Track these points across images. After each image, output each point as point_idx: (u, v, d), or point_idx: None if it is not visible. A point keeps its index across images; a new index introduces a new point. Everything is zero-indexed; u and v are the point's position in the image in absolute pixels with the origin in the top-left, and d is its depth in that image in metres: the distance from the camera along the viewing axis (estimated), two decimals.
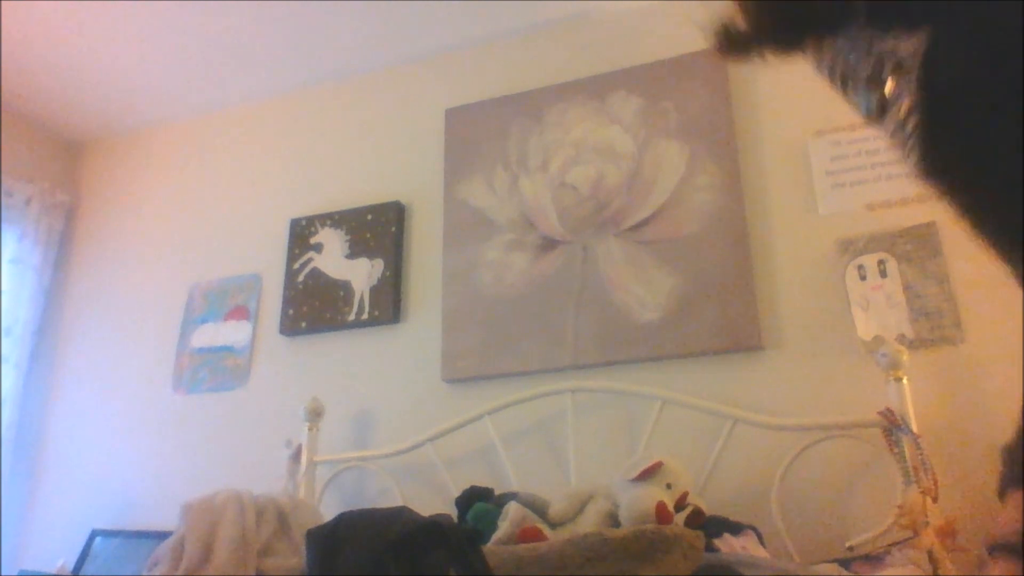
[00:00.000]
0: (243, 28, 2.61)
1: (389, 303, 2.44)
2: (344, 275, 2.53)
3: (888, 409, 1.67)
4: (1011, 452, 0.55)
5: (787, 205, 2.12)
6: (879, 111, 0.58)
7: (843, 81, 0.62)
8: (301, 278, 2.59)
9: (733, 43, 0.64)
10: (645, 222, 2.24)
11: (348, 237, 2.57)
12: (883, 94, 0.56)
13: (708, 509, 1.65)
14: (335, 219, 2.62)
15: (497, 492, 1.81)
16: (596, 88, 2.39)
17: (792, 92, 2.22)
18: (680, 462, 1.75)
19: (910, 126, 0.55)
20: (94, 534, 2.46)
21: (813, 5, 0.60)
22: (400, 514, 1.37)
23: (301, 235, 2.65)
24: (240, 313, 2.66)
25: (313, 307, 2.53)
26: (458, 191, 2.48)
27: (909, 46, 0.53)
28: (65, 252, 3.01)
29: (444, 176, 2.52)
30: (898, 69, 0.54)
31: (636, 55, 2.39)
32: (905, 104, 0.55)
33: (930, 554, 1.52)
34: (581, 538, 1.43)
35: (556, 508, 1.67)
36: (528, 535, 1.53)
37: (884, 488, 1.74)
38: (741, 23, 0.63)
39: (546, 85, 2.49)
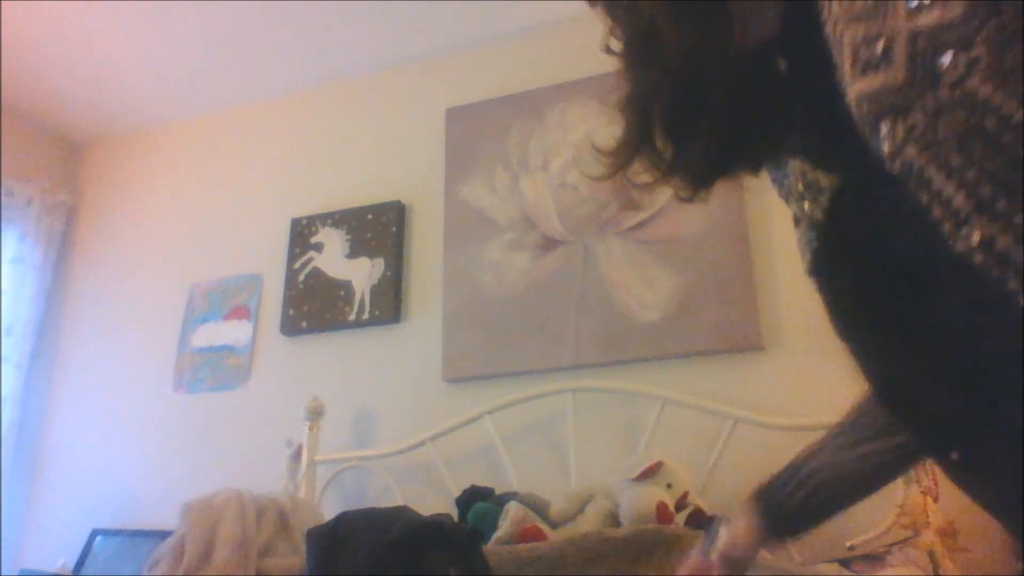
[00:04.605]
0: (243, 28, 2.61)
1: (390, 303, 2.44)
2: (345, 275, 2.53)
3: None
4: None
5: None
6: (795, 221, 0.75)
7: (783, 191, 0.80)
8: (302, 278, 2.59)
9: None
10: (646, 222, 2.24)
11: (349, 237, 2.57)
12: (803, 207, 0.73)
13: (709, 509, 1.65)
14: (335, 219, 2.62)
15: (497, 492, 1.81)
16: (596, 88, 2.39)
17: None
18: (680, 462, 1.75)
19: (812, 236, 0.71)
20: (94, 534, 2.46)
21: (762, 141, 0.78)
22: (400, 514, 1.37)
23: (302, 235, 2.65)
24: (241, 313, 2.66)
25: (314, 307, 2.53)
26: (459, 191, 2.48)
27: (827, 180, 0.68)
28: (65, 252, 3.01)
29: (445, 176, 2.52)
30: (817, 195, 0.70)
31: None
32: (812, 219, 0.71)
33: (931, 554, 1.52)
34: (581, 538, 1.43)
35: (556, 508, 1.68)
36: (529, 535, 1.54)
37: (884, 488, 1.74)
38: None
39: (546, 85, 2.49)
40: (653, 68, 0.73)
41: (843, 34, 0.59)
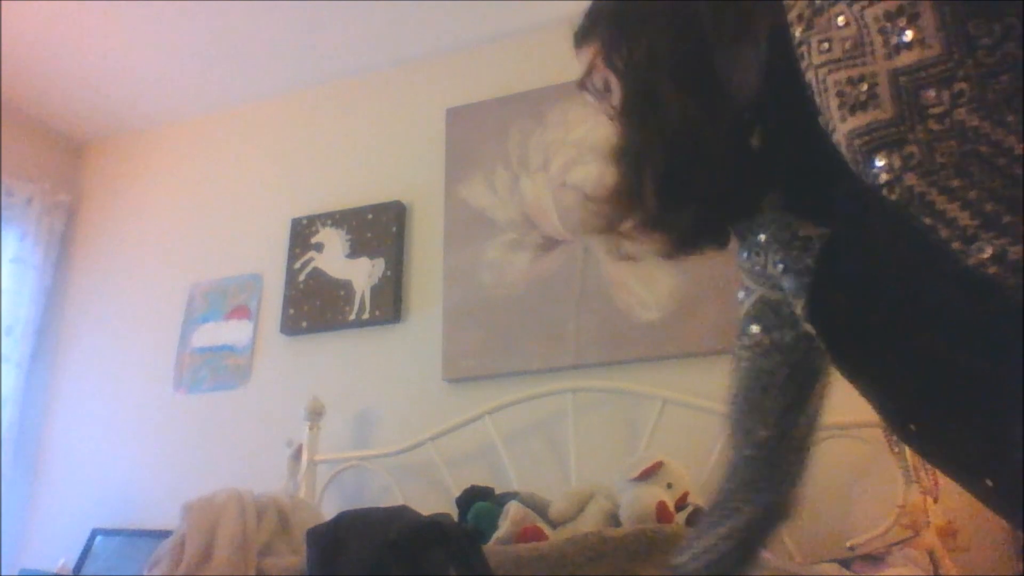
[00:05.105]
0: (243, 28, 2.61)
1: (390, 303, 2.44)
2: (345, 274, 2.53)
3: None
4: None
5: None
6: (784, 269, 0.77)
7: (759, 246, 0.82)
8: (302, 277, 2.59)
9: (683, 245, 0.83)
10: None
11: (349, 237, 2.57)
12: (791, 256, 0.75)
13: None
14: (336, 218, 2.62)
15: (498, 492, 1.81)
16: None
17: None
18: (680, 462, 1.75)
19: (806, 281, 0.72)
20: (95, 533, 2.46)
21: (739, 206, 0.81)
22: (400, 514, 1.37)
23: (302, 235, 2.65)
24: (241, 312, 2.66)
25: (314, 307, 2.53)
26: (459, 191, 2.48)
27: (816, 231, 0.72)
28: (66, 252, 3.01)
29: (445, 176, 2.52)
30: (806, 244, 0.73)
31: None
32: (803, 266, 0.73)
33: (931, 554, 1.52)
34: (581, 537, 1.43)
35: (556, 508, 1.68)
36: (529, 535, 1.54)
37: (884, 488, 1.74)
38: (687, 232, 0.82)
39: (546, 85, 2.48)
40: (649, 127, 0.75)
41: (826, 79, 0.62)
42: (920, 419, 0.70)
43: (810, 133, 0.66)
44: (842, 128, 0.61)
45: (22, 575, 2.51)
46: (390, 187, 2.62)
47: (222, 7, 2.50)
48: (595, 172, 2.32)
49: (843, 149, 0.62)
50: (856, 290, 0.69)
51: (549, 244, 2.32)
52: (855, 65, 0.59)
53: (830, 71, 0.61)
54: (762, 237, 0.80)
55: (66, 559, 2.39)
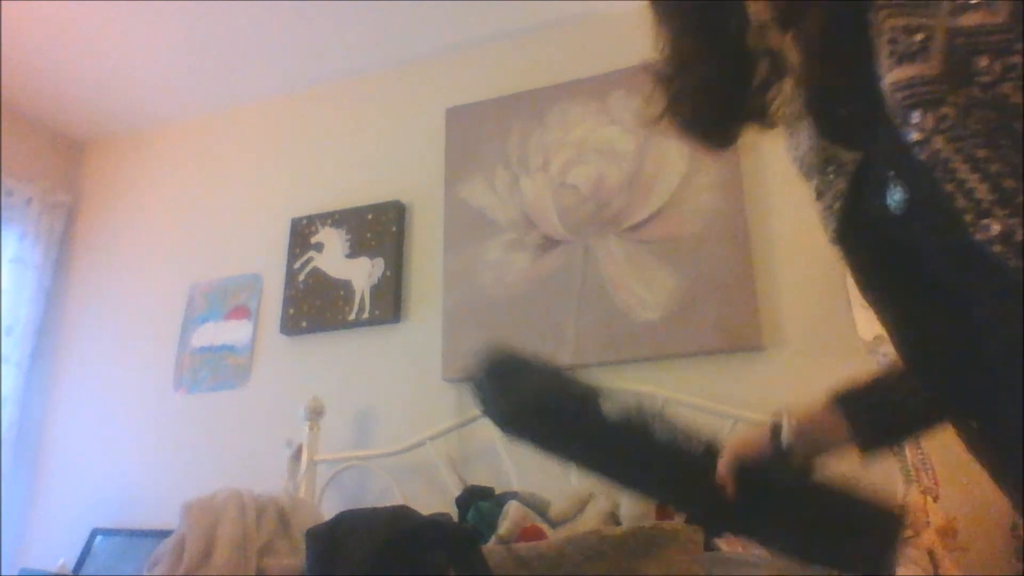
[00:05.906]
0: (243, 28, 2.61)
1: (390, 302, 2.44)
2: (345, 274, 2.53)
3: None
4: None
5: (788, 204, 2.12)
6: (818, 193, 0.77)
7: (801, 161, 0.83)
8: (302, 277, 2.59)
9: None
10: (646, 222, 2.23)
11: (349, 236, 2.57)
12: (826, 180, 0.75)
13: None
14: (336, 218, 2.62)
15: (497, 492, 1.81)
16: (596, 88, 2.39)
17: None
18: None
19: (836, 206, 0.73)
20: (95, 533, 2.46)
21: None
22: (400, 514, 1.37)
23: (301, 234, 2.65)
24: (241, 313, 2.66)
25: (314, 306, 2.53)
26: (459, 191, 2.48)
27: (850, 156, 0.71)
28: (66, 252, 3.01)
29: (445, 176, 2.52)
30: (840, 168, 0.73)
31: (636, 55, 2.38)
32: (836, 190, 0.73)
33: (931, 554, 1.52)
34: (581, 537, 1.43)
35: (556, 508, 1.68)
36: (529, 534, 1.54)
37: (884, 488, 1.74)
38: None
39: (546, 85, 2.48)
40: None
41: (884, 22, 0.60)
42: (919, 352, 0.72)
43: (859, 65, 0.64)
44: (888, 78, 0.60)
45: (22, 575, 2.52)
46: (390, 187, 2.61)
47: (222, 7, 2.50)
48: (595, 172, 2.32)
49: (887, 99, 0.60)
50: (876, 224, 0.68)
51: (549, 244, 2.32)
52: (917, 15, 0.58)
53: (889, 15, 0.60)
54: (798, 152, 0.81)
55: (66, 559, 2.39)
